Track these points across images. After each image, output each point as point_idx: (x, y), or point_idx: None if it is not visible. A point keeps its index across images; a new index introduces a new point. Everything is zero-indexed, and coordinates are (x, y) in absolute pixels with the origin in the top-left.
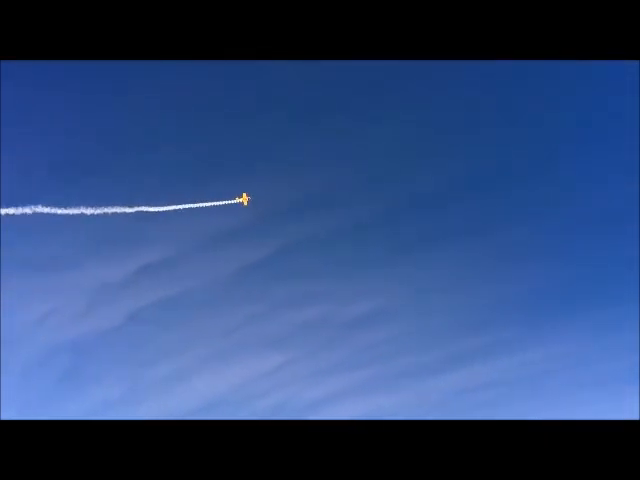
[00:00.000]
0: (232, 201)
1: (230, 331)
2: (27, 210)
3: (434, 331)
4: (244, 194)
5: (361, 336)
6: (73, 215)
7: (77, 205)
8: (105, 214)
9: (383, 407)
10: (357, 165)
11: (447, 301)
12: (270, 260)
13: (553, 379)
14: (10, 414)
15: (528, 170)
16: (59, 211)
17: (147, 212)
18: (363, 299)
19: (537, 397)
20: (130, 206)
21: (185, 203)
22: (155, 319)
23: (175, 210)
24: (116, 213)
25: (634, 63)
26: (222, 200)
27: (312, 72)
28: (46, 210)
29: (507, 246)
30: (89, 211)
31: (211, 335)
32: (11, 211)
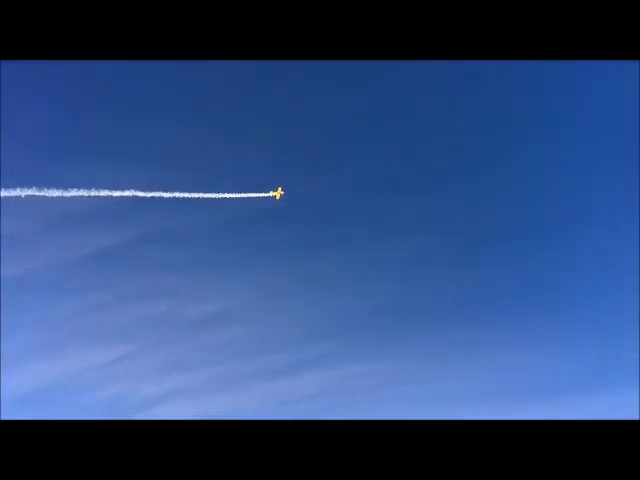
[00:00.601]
0: (267, 194)
1: (70, 318)
2: None
3: (279, 336)
4: (279, 188)
5: (205, 336)
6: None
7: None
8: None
9: (219, 408)
10: (235, 163)
11: (298, 308)
12: (123, 249)
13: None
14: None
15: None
16: None
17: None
18: (213, 299)
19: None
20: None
21: (219, 193)
22: None
23: (209, 198)
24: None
25: (634, 63)
26: (257, 192)
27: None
28: None
29: (372, 257)
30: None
31: (49, 321)
32: None
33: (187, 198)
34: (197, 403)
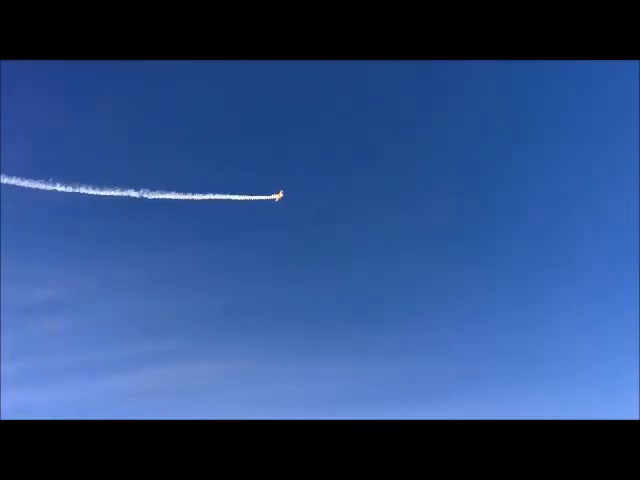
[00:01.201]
0: (267, 197)
1: None
2: None
3: (115, 331)
4: (280, 191)
5: (31, 324)
6: None
7: None
8: None
9: (36, 404)
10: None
11: (139, 303)
12: None
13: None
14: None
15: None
16: None
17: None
18: (44, 285)
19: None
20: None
21: (220, 194)
22: None
23: (208, 200)
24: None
25: (634, 63)
26: (257, 195)
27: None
28: None
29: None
30: None
31: None
32: None
33: (181, 199)
34: (15, 395)
